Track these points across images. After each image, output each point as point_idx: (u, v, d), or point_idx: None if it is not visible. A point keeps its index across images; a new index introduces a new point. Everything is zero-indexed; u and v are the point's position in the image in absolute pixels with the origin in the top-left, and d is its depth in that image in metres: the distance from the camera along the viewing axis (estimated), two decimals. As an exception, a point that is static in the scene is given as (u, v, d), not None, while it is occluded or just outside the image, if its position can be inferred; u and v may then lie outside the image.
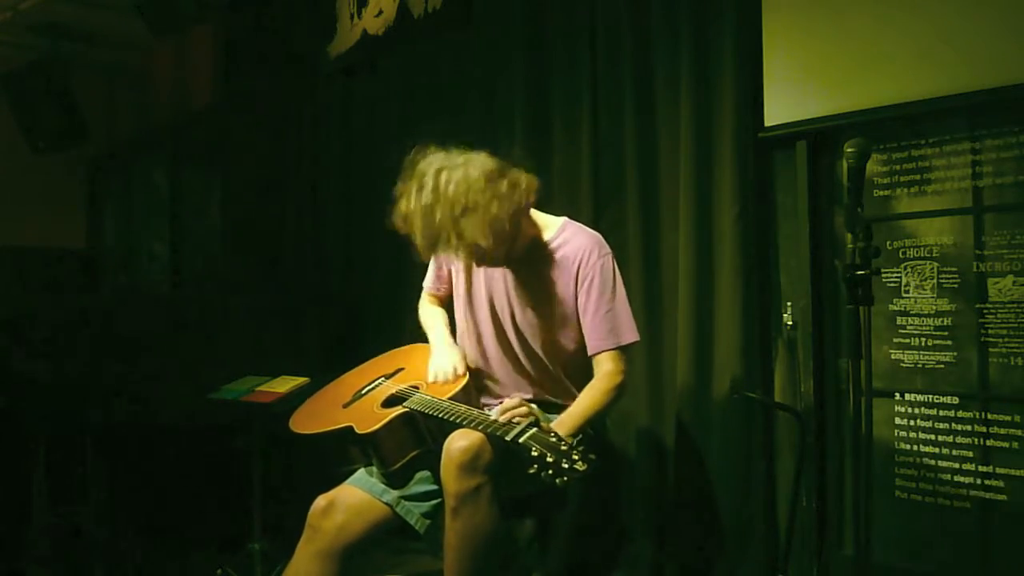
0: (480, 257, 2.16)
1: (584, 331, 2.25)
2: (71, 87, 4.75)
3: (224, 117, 4.76)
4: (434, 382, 2.28)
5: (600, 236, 2.32)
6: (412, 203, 2.08)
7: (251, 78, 4.64)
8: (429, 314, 2.53)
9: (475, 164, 2.08)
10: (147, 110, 5.46)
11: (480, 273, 2.35)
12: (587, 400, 2.19)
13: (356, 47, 4.00)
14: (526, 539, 2.99)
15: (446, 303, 2.54)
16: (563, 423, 2.11)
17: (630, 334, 2.24)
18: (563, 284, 2.25)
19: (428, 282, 2.55)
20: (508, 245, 2.17)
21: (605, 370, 2.21)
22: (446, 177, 2.05)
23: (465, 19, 3.54)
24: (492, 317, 2.33)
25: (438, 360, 2.33)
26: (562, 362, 2.30)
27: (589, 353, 2.24)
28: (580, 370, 2.30)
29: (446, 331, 2.45)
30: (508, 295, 2.30)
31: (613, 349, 2.21)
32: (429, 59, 3.74)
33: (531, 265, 2.27)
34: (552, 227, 2.31)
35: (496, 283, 2.32)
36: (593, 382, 2.22)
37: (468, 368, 2.34)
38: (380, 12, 3.84)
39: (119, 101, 5.65)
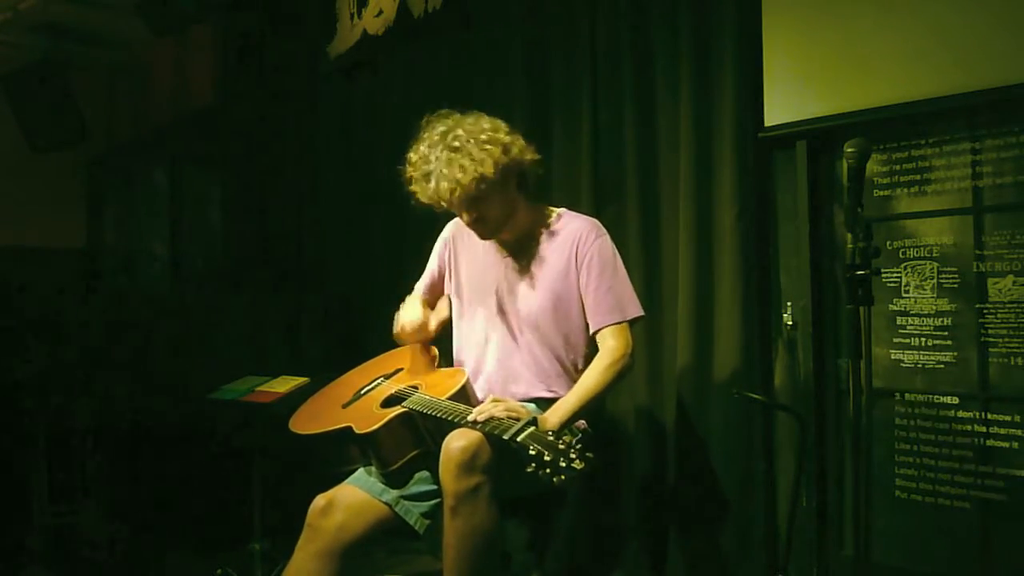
0: (471, 211, 2.19)
1: (586, 310, 2.26)
2: (71, 87, 4.75)
3: (224, 117, 4.76)
4: (401, 331, 2.38)
5: (596, 220, 2.35)
6: (422, 146, 2.16)
7: (251, 78, 4.64)
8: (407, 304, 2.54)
9: (485, 120, 2.18)
10: (147, 110, 5.46)
11: (481, 266, 2.36)
12: (586, 382, 2.18)
13: (356, 47, 4.00)
14: (526, 539, 2.99)
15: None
16: (557, 409, 2.11)
17: (633, 309, 2.26)
18: (563, 267, 2.26)
19: (420, 287, 2.56)
20: (500, 211, 2.20)
21: (607, 346, 2.21)
22: (454, 125, 2.15)
23: (465, 19, 3.54)
24: (496, 312, 2.33)
25: (405, 312, 2.40)
26: (567, 353, 2.30)
27: (591, 330, 2.25)
28: (584, 359, 2.30)
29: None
30: (509, 284, 2.31)
31: (616, 324, 2.22)
32: (429, 59, 3.74)
33: (530, 252, 2.30)
34: (550, 216, 2.35)
35: (496, 277, 2.33)
36: (594, 361, 2.22)
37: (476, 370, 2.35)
38: (380, 12, 3.84)
39: (119, 101, 5.65)
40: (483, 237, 2.29)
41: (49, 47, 4.76)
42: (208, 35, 4.86)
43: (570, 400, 2.15)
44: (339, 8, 4.10)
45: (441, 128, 2.15)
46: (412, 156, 2.20)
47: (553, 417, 2.07)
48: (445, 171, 2.09)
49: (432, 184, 2.12)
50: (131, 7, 4.27)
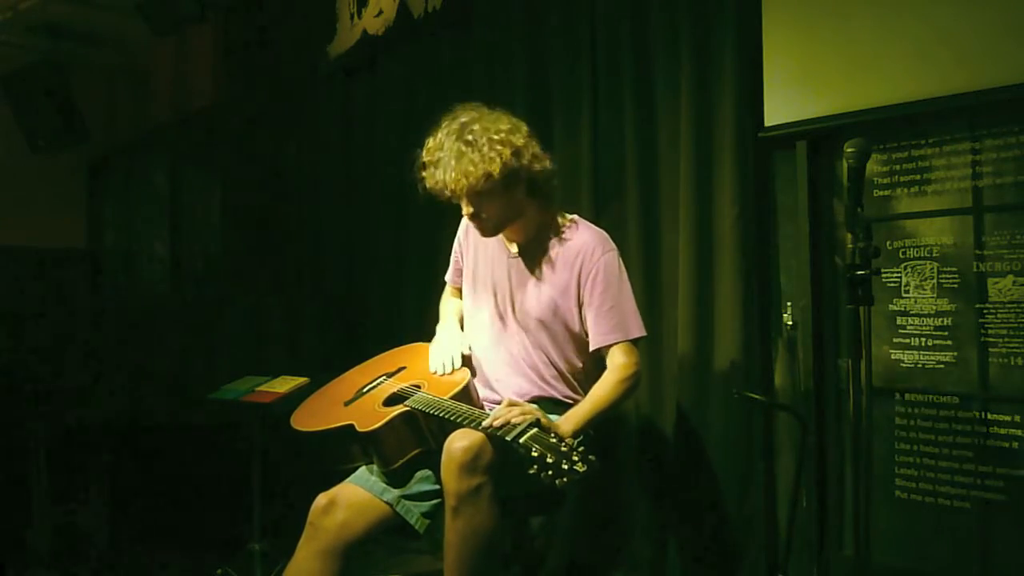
0: (471, 211, 2.19)
1: (587, 327, 2.25)
2: (71, 87, 4.75)
3: (224, 117, 4.76)
4: (433, 373, 2.30)
5: (605, 233, 2.33)
6: (438, 135, 2.17)
7: (251, 78, 4.64)
8: (445, 304, 2.60)
9: (505, 120, 2.18)
10: (147, 110, 5.46)
11: (486, 266, 2.36)
12: (597, 394, 2.18)
13: (356, 47, 4.00)
14: (526, 539, 3.00)
15: None
16: (569, 419, 2.11)
17: (636, 329, 2.25)
18: (565, 279, 2.26)
19: (448, 276, 2.60)
20: (504, 213, 2.20)
21: (617, 362, 2.21)
22: (474, 120, 2.15)
23: (465, 19, 3.54)
24: (496, 310, 2.33)
25: (440, 349, 2.37)
26: (564, 359, 2.30)
27: (592, 347, 2.25)
28: (582, 368, 2.30)
29: (455, 320, 2.50)
30: (511, 288, 2.31)
31: (620, 342, 2.22)
32: (429, 59, 3.74)
33: (537, 256, 2.29)
34: (563, 223, 2.33)
35: (500, 276, 2.33)
36: (605, 375, 2.22)
37: (469, 365, 2.35)
38: (380, 12, 3.84)
39: (119, 101, 5.65)
40: (483, 234, 2.29)
41: (49, 47, 4.77)
42: (208, 35, 4.85)
43: (584, 409, 2.15)
44: (339, 8, 4.10)
45: (462, 119, 2.15)
46: (429, 141, 2.20)
47: (566, 425, 2.07)
48: (454, 163, 2.10)
49: (440, 173, 2.13)
50: (131, 7, 4.28)
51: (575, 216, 2.37)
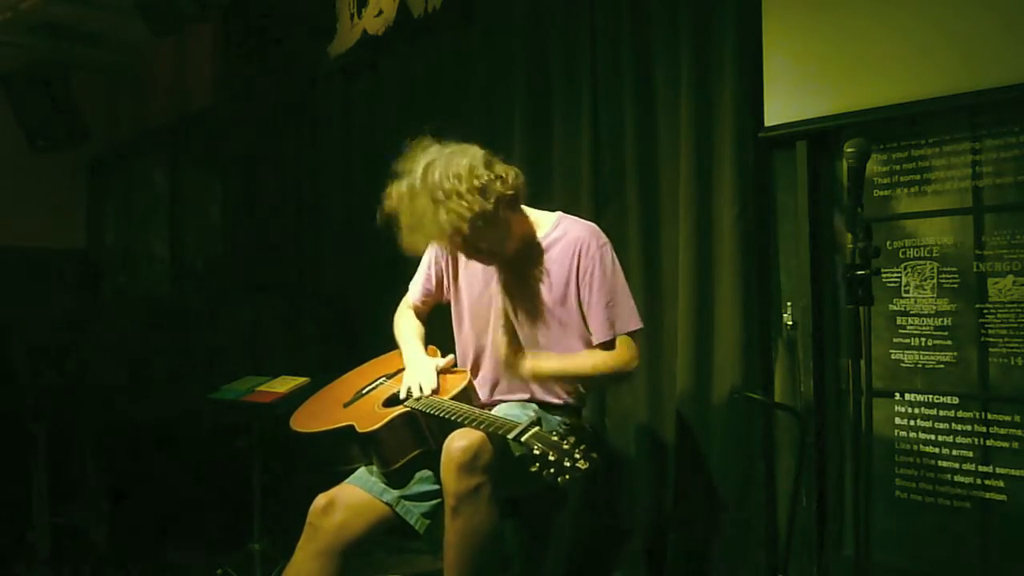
0: (469, 248, 2.18)
1: (588, 323, 2.25)
2: (71, 87, 4.76)
3: (224, 117, 4.76)
4: (407, 398, 2.22)
5: (596, 226, 2.33)
6: (401, 188, 2.12)
7: (251, 78, 4.64)
8: (405, 326, 2.50)
9: (462, 153, 2.11)
10: (147, 110, 5.47)
11: (479, 274, 2.35)
12: (580, 359, 2.21)
13: (356, 47, 4.01)
14: (526, 539, 3.00)
15: (425, 316, 2.53)
16: (538, 356, 2.16)
17: (633, 321, 2.26)
18: (562, 278, 2.25)
19: (414, 291, 2.52)
20: (497, 238, 2.17)
21: (617, 351, 2.23)
22: (432, 165, 2.09)
23: (465, 19, 3.54)
24: (494, 317, 2.33)
25: (413, 374, 2.28)
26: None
27: (595, 343, 2.25)
28: None
29: (420, 345, 2.42)
30: (509, 294, 2.30)
31: (619, 336, 2.23)
32: (429, 59, 3.74)
33: (528, 262, 2.28)
34: (547, 223, 2.32)
35: (495, 283, 2.32)
36: (600, 350, 2.23)
37: (474, 372, 2.35)
38: (380, 12, 3.84)
39: (119, 101, 5.66)
40: (490, 264, 2.28)
41: (49, 47, 4.77)
42: (208, 35, 4.86)
43: (554, 361, 2.17)
44: (339, 8, 4.10)
45: (418, 171, 2.09)
46: (393, 194, 2.15)
47: (531, 361, 2.13)
48: (432, 227, 2.07)
49: (423, 236, 2.12)
50: (131, 7, 4.28)
51: (559, 213, 2.36)
